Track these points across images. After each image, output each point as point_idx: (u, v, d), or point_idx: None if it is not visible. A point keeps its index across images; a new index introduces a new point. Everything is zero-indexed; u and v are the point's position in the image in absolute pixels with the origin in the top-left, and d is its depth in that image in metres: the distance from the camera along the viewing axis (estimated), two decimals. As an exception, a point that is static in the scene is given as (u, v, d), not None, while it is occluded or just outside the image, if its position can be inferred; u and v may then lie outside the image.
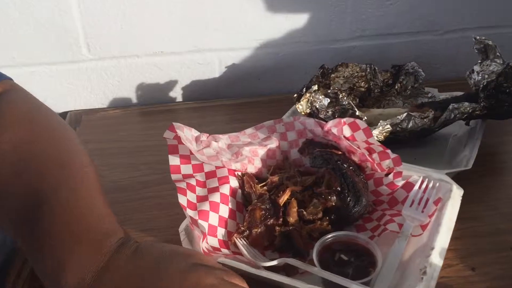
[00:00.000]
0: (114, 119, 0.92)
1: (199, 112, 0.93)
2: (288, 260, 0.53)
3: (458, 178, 0.63)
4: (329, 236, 0.55)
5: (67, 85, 0.94)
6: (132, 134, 0.87)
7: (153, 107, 0.95)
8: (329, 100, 0.68)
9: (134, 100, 0.98)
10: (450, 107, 0.72)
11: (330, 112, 0.67)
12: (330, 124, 0.63)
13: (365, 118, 0.67)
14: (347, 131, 0.63)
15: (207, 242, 0.55)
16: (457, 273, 0.55)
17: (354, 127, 0.63)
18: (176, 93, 0.98)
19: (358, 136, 0.63)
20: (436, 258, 0.50)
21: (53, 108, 0.93)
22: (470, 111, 0.73)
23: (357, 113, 0.67)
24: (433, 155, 0.74)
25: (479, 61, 0.74)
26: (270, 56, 0.95)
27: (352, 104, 0.67)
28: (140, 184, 0.73)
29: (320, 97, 0.67)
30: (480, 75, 0.73)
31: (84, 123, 0.91)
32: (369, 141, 0.62)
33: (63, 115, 0.94)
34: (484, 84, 0.72)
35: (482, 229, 0.61)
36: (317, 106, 0.68)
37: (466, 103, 0.73)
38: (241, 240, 0.57)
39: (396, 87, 0.82)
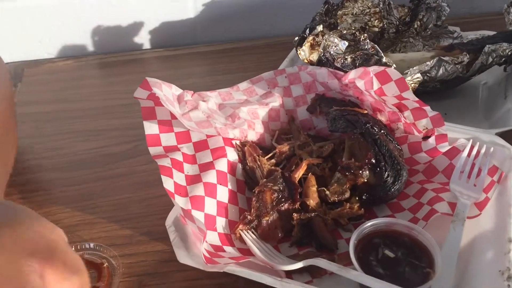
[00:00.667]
0: (65, 72, 0.74)
1: (172, 62, 0.77)
2: (318, 262, 0.40)
3: (506, 137, 0.51)
4: (367, 225, 0.42)
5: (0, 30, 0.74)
6: (90, 91, 0.70)
7: (114, 56, 0.78)
8: (347, 44, 0.53)
9: (90, 48, 0.80)
10: (486, 49, 0.59)
11: (349, 60, 0.52)
12: (352, 75, 0.48)
13: (394, 65, 0.53)
14: (375, 84, 0.49)
15: (206, 241, 0.40)
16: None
17: (384, 78, 0.48)
18: (142, 38, 0.81)
19: (388, 90, 0.49)
20: (518, 254, 0.38)
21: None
22: (509, 53, 0.60)
23: (384, 59, 0.52)
24: (465, 110, 0.61)
25: (522, -9, 0.61)
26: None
27: (377, 47, 0.52)
28: (105, 157, 0.57)
29: (336, 40, 0.52)
30: (526, 8, 0.59)
31: (27, 78, 0.73)
32: (403, 95, 0.49)
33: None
34: None
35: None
36: (332, 52, 0.53)
37: (505, 44, 0.59)
38: (248, 234, 0.43)
39: (415, 25, 0.67)
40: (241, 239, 0.43)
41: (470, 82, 0.64)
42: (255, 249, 0.41)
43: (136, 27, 0.79)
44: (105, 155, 0.57)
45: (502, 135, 0.53)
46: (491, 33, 0.67)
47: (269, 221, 0.44)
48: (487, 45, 0.59)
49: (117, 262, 0.44)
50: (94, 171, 0.55)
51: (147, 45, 0.81)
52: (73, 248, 0.45)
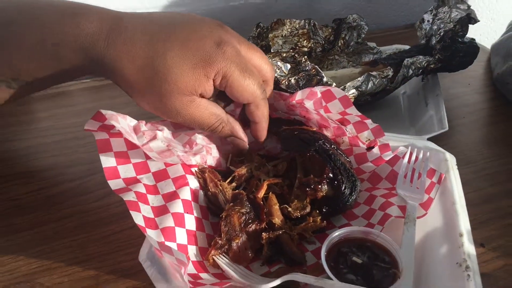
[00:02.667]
0: (-13, 111, 0.70)
1: (103, 93, 0.75)
2: (295, 277, 0.41)
3: (434, 142, 0.56)
4: (335, 234, 0.44)
5: None
6: (16, 130, 0.66)
7: (38, 92, 0.74)
8: (289, 66, 0.56)
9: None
10: (406, 62, 0.65)
11: (293, 81, 0.55)
12: (299, 95, 0.51)
13: (334, 84, 0.56)
14: (322, 102, 0.52)
15: (187, 273, 0.40)
16: (467, 252, 0.48)
17: (328, 97, 0.52)
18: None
19: (332, 107, 0.52)
20: (469, 246, 0.43)
21: None
22: (425, 65, 0.66)
23: (325, 78, 0.56)
24: (392, 118, 0.67)
25: (430, 9, 0.68)
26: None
27: (318, 68, 0.56)
28: (52, 198, 0.54)
29: (279, 63, 0.55)
30: (435, 24, 0.66)
31: None
32: (347, 111, 0.52)
33: None
34: (441, 34, 0.65)
35: (473, 196, 0.55)
36: (276, 75, 0.55)
37: (421, 57, 0.66)
38: (221, 258, 0.44)
39: (339, 44, 0.72)
40: (215, 264, 0.44)
41: (391, 94, 0.70)
42: (231, 272, 0.42)
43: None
44: (49, 196, 0.54)
45: (431, 139, 0.59)
46: (404, 46, 0.75)
47: (239, 244, 0.45)
48: (406, 59, 0.65)
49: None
50: (40, 215, 0.52)
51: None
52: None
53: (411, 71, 0.65)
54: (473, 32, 0.97)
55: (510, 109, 0.69)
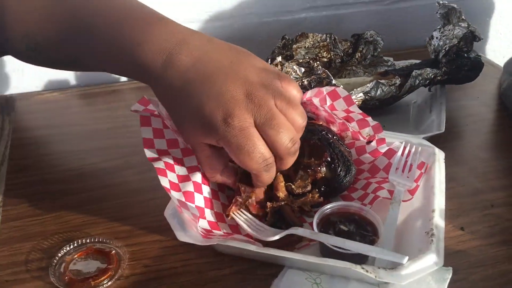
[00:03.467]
0: (53, 103, 0.83)
1: (148, 92, 0.86)
2: (297, 231, 0.50)
3: (431, 142, 0.64)
4: (327, 207, 0.53)
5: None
6: (78, 118, 0.79)
7: (96, 88, 0.87)
8: (303, 70, 0.66)
9: (72, 82, 0.89)
10: (414, 73, 0.73)
11: (305, 82, 0.64)
12: (309, 94, 0.60)
13: (341, 85, 0.65)
14: (327, 100, 0.61)
15: (200, 226, 0.50)
16: (448, 233, 0.55)
17: (334, 96, 0.61)
18: (120, 72, 0.90)
19: (338, 105, 0.61)
20: (439, 220, 0.50)
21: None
22: (432, 76, 0.74)
23: (333, 81, 0.65)
24: (400, 122, 0.74)
25: (439, 27, 0.76)
26: (221, 29, 0.90)
27: (328, 72, 0.65)
28: (100, 171, 0.66)
29: (294, 66, 0.65)
30: (442, 40, 0.74)
31: (20, 109, 0.81)
32: (350, 109, 0.61)
33: (-9, 101, 0.83)
34: (446, 49, 0.73)
35: (462, 189, 0.62)
36: (291, 77, 0.65)
37: (428, 69, 0.74)
38: (238, 214, 0.53)
39: (357, 56, 0.81)
40: (232, 221, 0.53)
41: (404, 101, 0.77)
42: (244, 225, 0.51)
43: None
44: (100, 169, 0.66)
45: (430, 139, 0.66)
46: (417, 61, 0.82)
47: (256, 198, 0.54)
48: (414, 70, 0.73)
49: (122, 250, 0.53)
50: (92, 183, 0.64)
51: (123, 78, 0.91)
52: (84, 241, 0.53)
53: (417, 81, 0.73)
54: (491, 53, 1.04)
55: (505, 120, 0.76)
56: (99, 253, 0.52)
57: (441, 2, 0.74)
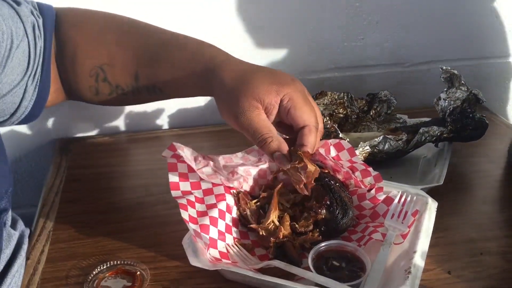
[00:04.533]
0: (104, 145, 0.96)
1: (185, 139, 0.98)
2: (278, 264, 0.58)
3: (432, 193, 0.70)
4: (322, 244, 0.60)
5: (50, 114, 0.97)
6: (123, 160, 0.91)
7: (141, 134, 0.99)
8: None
9: (121, 128, 1.01)
10: (421, 130, 0.80)
11: (315, 135, 0.73)
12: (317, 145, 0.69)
13: (347, 139, 0.74)
14: (333, 151, 0.69)
15: (209, 253, 0.59)
16: (435, 276, 0.61)
17: (339, 148, 0.69)
18: (163, 121, 1.03)
19: (342, 156, 0.69)
20: (419, 260, 0.56)
21: (38, 136, 0.97)
22: (438, 134, 0.81)
23: (340, 135, 0.74)
24: (407, 174, 0.81)
25: (445, 89, 0.83)
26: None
27: (335, 127, 0.74)
28: (136, 205, 0.76)
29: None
30: (447, 101, 0.81)
31: (75, 150, 0.94)
32: (353, 160, 0.69)
33: (52, 142, 0.97)
34: (451, 109, 0.80)
35: (455, 237, 0.67)
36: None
37: (435, 127, 0.81)
38: (233, 247, 0.62)
39: (371, 113, 0.89)
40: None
41: (414, 155, 0.84)
42: (233, 254, 0.60)
43: (158, 112, 1.02)
44: (136, 203, 0.77)
45: (432, 190, 0.72)
46: (429, 119, 0.89)
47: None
48: (421, 128, 0.81)
49: (146, 272, 0.62)
50: (128, 214, 0.74)
51: (165, 126, 1.03)
52: (115, 263, 0.63)
53: (423, 138, 0.80)
54: None
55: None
56: (126, 273, 0.62)
57: (444, 67, 0.82)
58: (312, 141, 0.61)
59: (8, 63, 0.61)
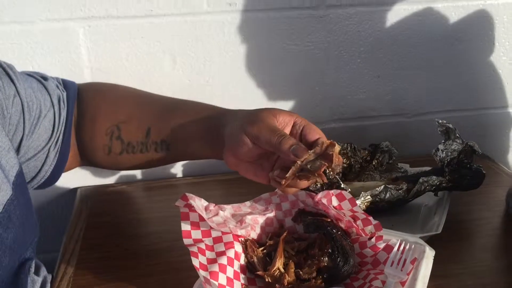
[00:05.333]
0: (122, 194, 1.01)
1: (198, 187, 1.04)
2: None
3: (431, 241, 0.74)
4: (323, 291, 0.64)
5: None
6: (140, 207, 0.96)
7: (156, 183, 1.05)
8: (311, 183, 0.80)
9: (139, 177, 1.07)
10: (420, 180, 0.84)
11: (319, 185, 0.78)
12: (320, 195, 0.74)
13: (349, 190, 0.78)
14: (335, 201, 0.74)
15: (217, 298, 0.63)
16: (433, 322, 0.64)
17: (341, 198, 0.74)
18: (177, 170, 1.09)
19: (344, 205, 0.74)
20: (414, 306, 0.60)
21: (61, 185, 1.03)
22: (437, 183, 0.85)
23: (342, 185, 0.78)
24: (408, 222, 0.85)
25: (443, 141, 0.88)
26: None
27: (338, 178, 0.79)
28: (151, 251, 0.81)
29: (311, 172, 0.79)
30: (444, 152, 0.86)
31: (95, 197, 1.00)
32: (354, 209, 0.73)
33: (74, 190, 1.03)
34: (448, 160, 0.85)
35: (453, 285, 0.71)
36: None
37: (434, 177, 0.85)
38: None
39: (374, 163, 0.94)
40: None
41: (415, 203, 0.88)
42: None
43: (173, 161, 1.08)
44: (151, 249, 0.82)
45: (431, 238, 0.76)
46: (429, 168, 0.94)
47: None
48: (421, 177, 0.85)
49: (160, 316, 0.66)
50: (144, 260, 0.79)
51: (179, 174, 1.09)
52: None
53: (423, 187, 0.84)
54: None
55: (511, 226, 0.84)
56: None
57: (440, 121, 0.87)
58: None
59: (36, 130, 0.68)
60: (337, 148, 0.63)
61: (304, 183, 0.65)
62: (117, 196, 1.00)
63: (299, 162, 0.63)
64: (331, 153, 0.62)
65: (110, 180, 1.06)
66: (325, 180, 0.64)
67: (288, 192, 0.69)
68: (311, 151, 0.63)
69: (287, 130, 0.66)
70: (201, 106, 0.77)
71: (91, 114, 0.78)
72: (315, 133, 0.65)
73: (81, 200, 0.98)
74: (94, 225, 0.89)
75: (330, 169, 0.64)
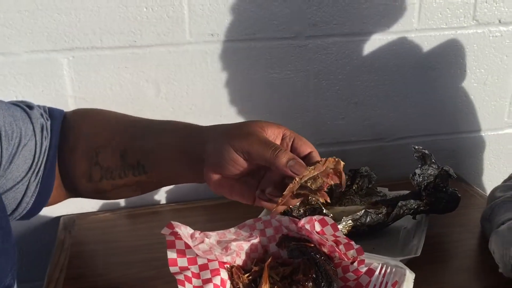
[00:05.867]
0: (105, 222, 1.02)
1: (182, 213, 1.05)
2: None
3: (410, 263, 0.76)
4: (309, 316, 0.66)
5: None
6: (124, 235, 0.97)
7: (140, 210, 1.06)
8: (299, 201, 0.82)
9: (122, 204, 1.08)
10: (399, 204, 0.87)
11: (302, 211, 0.80)
12: (303, 221, 0.75)
13: (331, 215, 0.81)
14: (317, 227, 0.75)
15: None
16: None
17: (323, 223, 0.76)
18: (160, 196, 1.09)
19: (327, 231, 0.76)
20: (396, 329, 0.61)
21: (43, 213, 1.03)
22: (415, 207, 0.88)
23: (324, 211, 0.80)
24: (388, 245, 0.87)
25: (419, 166, 0.91)
26: (244, 163, 1.09)
27: (320, 203, 0.81)
28: (137, 280, 0.81)
29: (293, 198, 0.81)
30: (421, 177, 0.89)
31: (79, 226, 1.00)
32: (336, 234, 0.75)
33: (57, 219, 1.03)
34: (425, 184, 0.88)
35: (432, 306, 0.73)
36: (291, 207, 0.81)
37: (412, 200, 0.88)
38: None
39: (354, 187, 0.97)
40: None
41: (395, 227, 0.91)
42: None
43: (157, 188, 1.09)
44: (137, 278, 0.82)
45: (411, 261, 0.78)
46: (408, 192, 0.97)
47: None
48: (400, 201, 0.88)
49: None
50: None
51: (163, 201, 1.10)
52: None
53: (402, 211, 0.87)
54: (489, 183, 1.17)
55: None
56: None
57: (416, 147, 0.91)
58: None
59: (15, 160, 0.67)
60: (343, 164, 0.59)
61: (295, 201, 0.63)
62: (100, 224, 1.01)
63: (297, 179, 0.58)
64: (339, 170, 0.59)
65: (93, 208, 1.07)
66: (328, 200, 0.61)
67: (278, 211, 0.65)
68: (311, 167, 0.58)
69: (278, 143, 0.62)
70: (177, 125, 0.73)
71: (73, 140, 0.75)
72: (307, 146, 0.62)
73: (64, 228, 0.98)
74: (78, 254, 0.89)
75: (339, 186, 0.61)
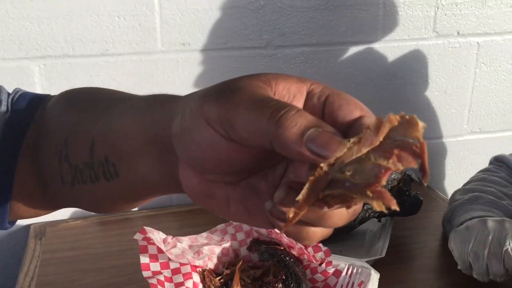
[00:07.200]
0: (76, 229, 1.02)
1: (154, 219, 1.06)
2: None
3: (376, 264, 0.79)
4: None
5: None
6: (95, 242, 0.97)
7: (111, 216, 1.06)
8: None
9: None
10: (365, 207, 0.91)
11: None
12: (272, 225, 0.78)
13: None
14: (286, 230, 0.78)
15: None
16: None
17: (292, 227, 0.78)
18: (132, 203, 1.10)
19: (295, 234, 0.78)
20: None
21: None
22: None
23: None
24: (355, 247, 0.91)
25: (383, 171, 0.95)
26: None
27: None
28: (109, 285, 0.82)
29: (263, 203, 0.84)
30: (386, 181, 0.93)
31: (49, 234, 0.99)
32: (305, 237, 0.78)
33: (27, 227, 1.02)
34: (389, 188, 0.91)
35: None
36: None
37: (377, 204, 0.91)
38: None
39: (322, 192, 1.00)
40: None
41: (361, 229, 0.94)
42: None
43: (128, 195, 1.09)
44: (108, 284, 0.83)
45: (376, 262, 0.82)
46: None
47: None
48: (366, 205, 0.91)
49: None
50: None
51: (135, 208, 1.11)
52: None
53: (367, 214, 0.90)
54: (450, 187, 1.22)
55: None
56: None
57: (380, 153, 0.94)
58: None
59: None
60: (422, 125, 0.26)
61: (343, 215, 0.32)
62: (71, 232, 1.01)
63: (323, 167, 0.28)
64: (410, 141, 0.27)
65: (64, 215, 1.07)
66: (396, 207, 0.27)
67: (312, 241, 0.33)
68: (352, 139, 0.28)
69: (298, 105, 0.32)
70: (147, 101, 0.45)
71: (44, 131, 0.51)
72: (354, 107, 0.31)
73: (34, 236, 0.98)
74: (49, 262, 0.89)
75: (424, 179, 0.28)
